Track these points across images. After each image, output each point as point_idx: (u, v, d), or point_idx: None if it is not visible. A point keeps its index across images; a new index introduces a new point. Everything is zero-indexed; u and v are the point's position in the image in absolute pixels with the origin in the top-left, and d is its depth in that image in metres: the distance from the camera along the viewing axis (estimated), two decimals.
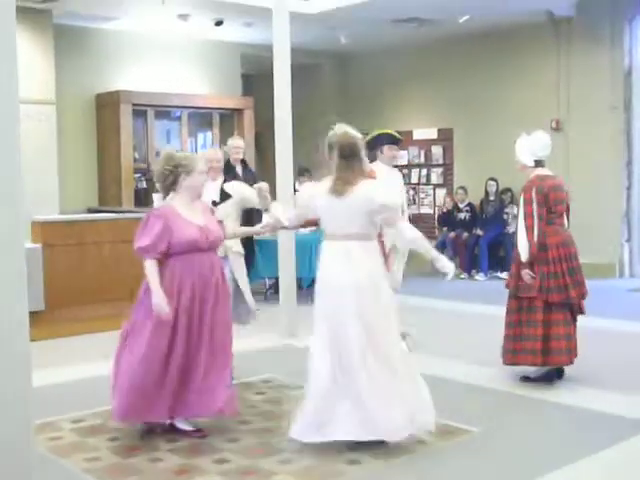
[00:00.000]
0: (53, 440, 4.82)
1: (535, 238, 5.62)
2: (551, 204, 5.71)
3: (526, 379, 5.84)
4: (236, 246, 5.98)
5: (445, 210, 12.63)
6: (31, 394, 3.51)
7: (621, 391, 5.65)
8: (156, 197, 5.71)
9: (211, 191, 5.75)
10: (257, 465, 4.33)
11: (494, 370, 6.06)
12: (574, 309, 5.79)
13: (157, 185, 4.91)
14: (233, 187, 5.92)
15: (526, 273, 5.64)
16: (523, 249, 5.68)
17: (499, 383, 5.86)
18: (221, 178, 5.95)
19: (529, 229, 5.67)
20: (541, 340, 5.62)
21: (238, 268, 5.94)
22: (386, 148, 6.77)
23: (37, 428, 4.91)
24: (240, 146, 9.56)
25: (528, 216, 5.67)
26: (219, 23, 10.86)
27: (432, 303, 9.46)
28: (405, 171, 13.75)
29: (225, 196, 5.86)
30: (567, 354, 5.68)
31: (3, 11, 3.23)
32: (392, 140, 6.96)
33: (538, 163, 5.83)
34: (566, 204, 5.90)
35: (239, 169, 9.50)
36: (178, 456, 4.50)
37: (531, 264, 5.65)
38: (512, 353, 5.74)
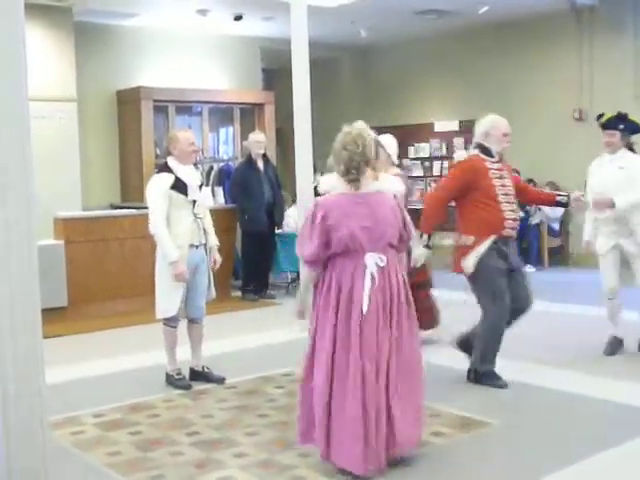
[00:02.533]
0: (75, 434, 4.90)
1: None
2: None
3: None
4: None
5: None
6: (44, 390, 3.55)
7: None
8: None
9: (190, 177, 5.80)
10: (276, 459, 4.38)
11: (513, 362, 6.08)
12: None
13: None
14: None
15: None
16: None
17: (517, 375, 5.85)
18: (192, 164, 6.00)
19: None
20: None
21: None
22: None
23: (60, 423, 5.06)
24: (262, 141, 9.67)
25: None
26: (238, 18, 10.90)
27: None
28: (427, 164, 13.75)
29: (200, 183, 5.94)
30: None
31: (11, 7, 3.26)
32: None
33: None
34: None
35: (261, 164, 9.60)
36: (199, 450, 4.56)
37: None
38: None
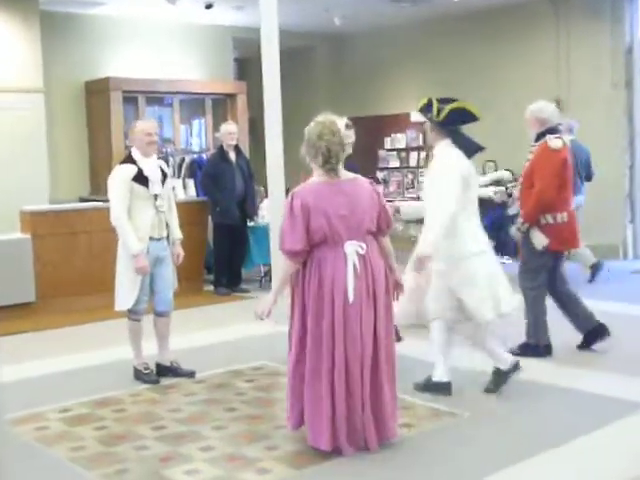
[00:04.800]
0: (39, 430, 4.93)
1: None
2: None
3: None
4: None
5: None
6: None
7: (619, 373, 5.74)
8: None
9: (151, 170, 5.83)
10: (242, 452, 4.44)
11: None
12: None
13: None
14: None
15: None
16: None
17: (489, 366, 5.92)
18: (155, 155, 6.02)
19: None
20: None
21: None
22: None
23: (24, 419, 5.10)
24: (234, 132, 9.69)
25: None
26: (209, 6, 10.89)
27: None
28: (403, 154, 13.82)
29: (164, 176, 5.95)
30: None
31: None
32: (473, 119, 5.38)
33: None
34: None
35: (233, 155, 9.62)
36: (164, 443, 4.61)
37: None
38: None
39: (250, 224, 9.81)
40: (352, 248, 4.27)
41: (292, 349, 4.37)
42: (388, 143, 13.86)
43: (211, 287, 9.78)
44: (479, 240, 5.25)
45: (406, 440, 4.54)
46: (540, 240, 6.13)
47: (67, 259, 8.79)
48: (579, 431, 4.62)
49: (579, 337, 6.45)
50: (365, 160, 13.63)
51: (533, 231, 6.17)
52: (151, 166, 5.84)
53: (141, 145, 5.83)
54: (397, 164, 13.86)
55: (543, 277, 6.22)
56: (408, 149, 13.77)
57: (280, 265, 4.45)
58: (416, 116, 5.77)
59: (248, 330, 7.28)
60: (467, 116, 5.31)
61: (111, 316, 6.41)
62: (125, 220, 5.67)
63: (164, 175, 5.94)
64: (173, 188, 9.84)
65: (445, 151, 5.23)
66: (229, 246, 9.54)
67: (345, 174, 4.39)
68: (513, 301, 5.41)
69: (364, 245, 4.29)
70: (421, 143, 13.52)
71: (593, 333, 6.37)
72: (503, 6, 11.96)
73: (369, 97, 13.86)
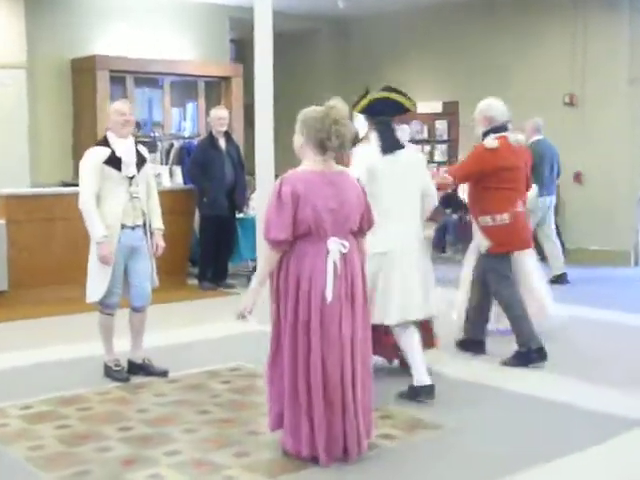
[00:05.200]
0: None
1: None
2: None
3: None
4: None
5: (449, 190, 12.62)
6: None
7: (617, 388, 5.70)
8: None
9: (125, 152, 5.81)
10: (209, 458, 4.42)
11: (472, 361, 6.17)
12: None
13: None
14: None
15: None
16: None
17: (474, 375, 5.94)
18: (132, 137, 5.99)
19: None
20: None
21: None
22: None
23: None
24: (224, 117, 9.66)
25: None
26: None
27: None
28: None
29: (141, 160, 5.91)
30: None
31: None
32: (404, 110, 5.73)
33: None
34: None
35: (222, 142, 9.60)
36: (128, 445, 4.60)
37: None
38: None
39: (239, 216, 9.79)
40: (335, 245, 4.23)
41: (269, 350, 4.35)
42: None
43: (195, 281, 9.76)
44: (389, 239, 5.23)
45: (386, 451, 4.52)
46: (481, 243, 6.22)
47: (44, 246, 8.76)
48: (571, 447, 4.59)
49: (579, 348, 6.49)
50: None
51: (475, 233, 6.31)
52: (126, 148, 5.82)
53: (115, 126, 5.82)
54: None
55: (505, 280, 6.22)
56: (412, 142, 13.69)
57: (264, 256, 4.39)
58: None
59: (229, 328, 7.25)
60: (393, 107, 5.49)
61: (87, 309, 6.38)
62: (91, 205, 5.66)
63: (142, 159, 5.91)
64: (158, 175, 9.94)
65: (361, 147, 5.38)
66: (216, 238, 9.52)
67: (336, 165, 4.37)
68: (429, 308, 5.42)
69: (347, 243, 4.26)
70: (426, 136, 13.51)
71: (473, 344, 6.46)
72: None
73: (372, 85, 13.77)
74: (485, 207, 6.15)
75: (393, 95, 5.56)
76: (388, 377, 5.78)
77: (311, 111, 4.34)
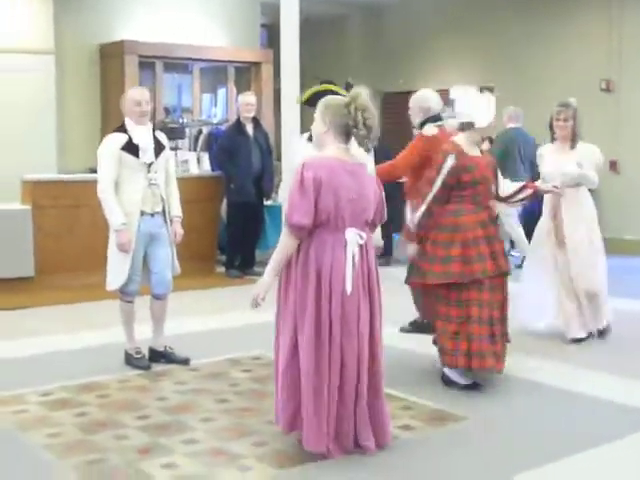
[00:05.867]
0: (17, 413, 4.96)
1: None
2: None
3: None
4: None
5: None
6: None
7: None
8: None
9: (142, 138, 5.81)
10: (226, 447, 4.42)
11: None
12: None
13: None
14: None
15: None
16: None
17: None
18: (149, 123, 5.98)
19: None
20: None
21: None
22: None
23: (4, 400, 5.14)
24: (251, 103, 9.63)
25: None
26: None
27: None
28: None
29: (159, 147, 5.90)
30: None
31: None
32: None
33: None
34: None
35: (250, 128, 9.58)
36: (146, 434, 4.61)
37: None
38: None
39: (267, 203, 9.79)
40: (353, 236, 4.19)
41: (286, 343, 4.26)
42: None
43: (223, 269, 9.78)
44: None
45: (403, 443, 4.49)
46: None
47: (69, 232, 8.81)
48: (597, 440, 4.54)
49: (613, 340, 6.45)
50: (397, 141, 13.52)
51: None
52: (143, 134, 5.82)
53: (131, 114, 5.84)
54: None
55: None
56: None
57: (281, 242, 4.23)
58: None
59: (253, 317, 7.17)
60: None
61: (111, 295, 6.42)
62: (110, 193, 5.69)
63: (160, 146, 5.91)
64: (186, 161, 9.97)
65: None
66: (243, 226, 9.52)
67: (356, 156, 4.31)
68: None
69: (364, 235, 4.23)
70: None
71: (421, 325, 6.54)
72: None
73: (404, 71, 13.74)
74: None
75: (330, 87, 5.69)
76: (410, 366, 5.76)
77: (334, 98, 4.30)
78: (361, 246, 4.21)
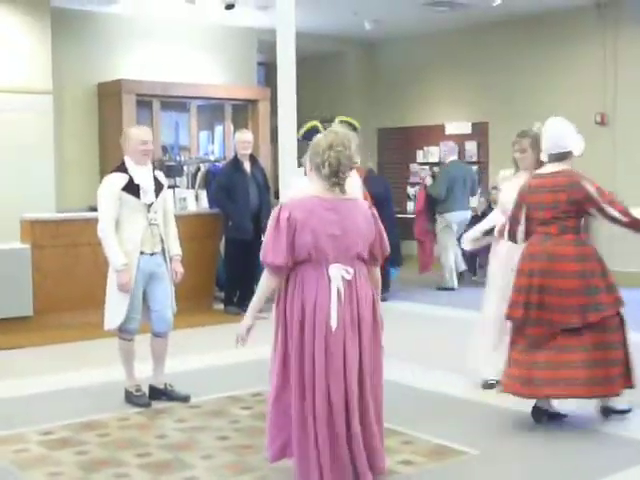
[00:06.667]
0: (17, 453, 4.96)
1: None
2: (528, 208, 5.50)
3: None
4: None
5: (479, 213, 12.61)
6: None
7: None
8: None
9: (143, 179, 5.87)
10: None
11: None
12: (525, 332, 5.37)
13: None
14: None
15: None
16: None
17: (502, 399, 5.87)
18: (150, 163, 6.04)
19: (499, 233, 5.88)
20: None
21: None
22: None
23: (4, 439, 5.15)
24: (248, 140, 9.71)
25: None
26: (230, 6, 10.96)
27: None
28: (436, 169, 13.77)
29: (159, 186, 5.97)
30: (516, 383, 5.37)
31: None
32: None
33: (552, 158, 5.59)
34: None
35: (247, 165, 9.64)
36: (146, 472, 4.62)
37: None
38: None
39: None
40: (337, 271, 4.20)
41: (274, 379, 4.32)
42: (420, 156, 13.83)
43: (222, 305, 9.81)
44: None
45: (403, 478, 4.50)
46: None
47: (68, 271, 8.84)
48: (599, 472, 4.56)
49: None
50: (395, 174, 13.68)
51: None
52: (144, 174, 5.88)
53: (134, 153, 5.88)
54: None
55: None
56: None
57: (261, 282, 4.33)
58: None
59: (253, 353, 7.17)
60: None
61: (110, 334, 6.46)
62: (110, 232, 5.73)
63: (159, 185, 5.97)
64: (184, 199, 10.04)
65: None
66: (241, 262, 9.56)
67: (345, 193, 4.34)
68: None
69: (351, 270, 4.24)
70: (456, 157, 13.47)
71: None
72: (544, 12, 11.94)
73: (402, 107, 13.86)
74: None
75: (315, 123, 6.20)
76: (411, 401, 5.77)
77: (320, 136, 4.35)
78: (349, 282, 4.24)
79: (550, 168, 5.51)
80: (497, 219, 6.17)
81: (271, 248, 4.16)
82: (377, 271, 4.48)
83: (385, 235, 4.45)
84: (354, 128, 6.33)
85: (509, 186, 6.05)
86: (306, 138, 5.85)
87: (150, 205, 5.84)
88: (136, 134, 5.93)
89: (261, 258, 4.26)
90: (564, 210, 5.30)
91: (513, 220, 5.57)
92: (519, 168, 6.16)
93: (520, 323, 5.35)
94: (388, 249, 4.46)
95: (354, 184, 5.16)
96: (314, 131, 5.83)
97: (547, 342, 5.26)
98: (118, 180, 5.81)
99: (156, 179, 5.97)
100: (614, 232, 5.95)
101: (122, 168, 5.89)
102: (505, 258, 5.98)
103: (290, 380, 4.23)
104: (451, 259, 11.29)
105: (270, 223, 4.21)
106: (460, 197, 11.22)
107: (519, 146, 6.13)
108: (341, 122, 6.06)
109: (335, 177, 4.21)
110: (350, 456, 4.19)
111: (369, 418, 4.25)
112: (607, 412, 5.48)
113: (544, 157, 5.66)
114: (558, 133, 5.58)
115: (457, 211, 11.17)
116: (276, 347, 4.34)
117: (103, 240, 5.78)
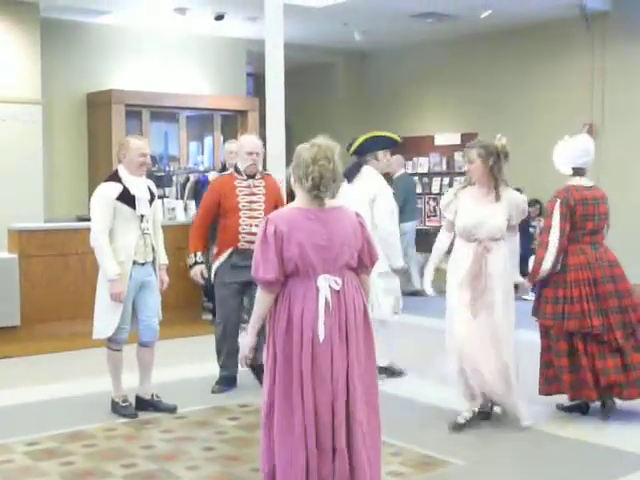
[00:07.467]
0: (3, 463, 4.94)
1: (552, 256, 5.58)
2: (577, 219, 5.59)
3: (563, 408, 5.89)
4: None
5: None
6: None
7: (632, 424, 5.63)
8: None
9: (139, 189, 5.85)
10: None
11: None
12: (603, 339, 5.54)
13: None
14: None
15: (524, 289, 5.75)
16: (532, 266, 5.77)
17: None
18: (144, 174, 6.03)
19: (541, 246, 5.67)
20: (568, 372, 5.59)
21: None
22: (381, 154, 6.81)
23: None
24: (235, 151, 9.69)
25: (544, 231, 5.69)
26: (219, 17, 10.99)
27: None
28: (425, 180, 13.80)
29: (151, 197, 5.96)
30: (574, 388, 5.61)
31: None
32: (391, 143, 6.98)
33: (577, 172, 5.76)
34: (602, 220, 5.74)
35: None
36: None
37: (545, 285, 5.66)
38: (544, 382, 5.77)
39: None
40: (325, 282, 4.14)
41: (265, 394, 4.28)
42: (410, 167, 13.83)
43: (210, 316, 9.76)
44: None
45: None
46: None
47: (56, 281, 8.80)
48: None
49: None
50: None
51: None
52: (139, 185, 5.85)
53: (132, 164, 5.82)
54: (419, 190, 13.80)
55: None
56: (431, 174, 13.76)
57: (257, 299, 4.21)
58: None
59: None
60: (385, 142, 6.87)
61: (99, 344, 6.43)
62: (103, 242, 5.70)
63: (152, 195, 5.96)
64: (173, 209, 10.00)
65: (373, 173, 6.78)
66: None
67: (330, 202, 4.31)
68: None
69: (339, 280, 4.20)
70: (444, 168, 13.53)
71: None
72: (532, 24, 11.98)
73: (391, 118, 13.86)
74: None
75: (376, 133, 6.85)
76: (398, 411, 5.75)
77: (303, 149, 4.28)
78: (337, 292, 4.20)
79: (584, 182, 5.76)
80: (444, 240, 5.88)
81: (261, 263, 4.09)
82: (368, 279, 4.45)
83: (373, 242, 4.42)
84: (395, 142, 6.95)
85: (472, 208, 5.56)
86: (360, 153, 6.76)
87: (143, 215, 5.82)
88: (136, 145, 5.87)
89: (252, 275, 4.20)
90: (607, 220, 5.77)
91: (563, 233, 5.57)
92: (472, 183, 5.67)
93: (600, 331, 5.51)
94: (377, 256, 4.44)
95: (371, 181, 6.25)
96: (379, 142, 6.78)
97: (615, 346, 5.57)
98: (112, 189, 5.77)
99: (149, 189, 5.96)
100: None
101: (116, 177, 5.84)
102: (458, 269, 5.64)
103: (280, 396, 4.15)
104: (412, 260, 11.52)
105: (258, 238, 4.16)
106: (411, 208, 11.57)
107: (467, 157, 5.77)
108: (378, 137, 6.83)
109: (317, 190, 4.17)
110: (333, 473, 4.13)
111: (355, 439, 4.16)
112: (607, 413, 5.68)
113: (566, 170, 5.80)
114: (590, 148, 5.88)
115: (409, 221, 11.36)
116: (268, 362, 4.28)
117: (97, 250, 5.75)
